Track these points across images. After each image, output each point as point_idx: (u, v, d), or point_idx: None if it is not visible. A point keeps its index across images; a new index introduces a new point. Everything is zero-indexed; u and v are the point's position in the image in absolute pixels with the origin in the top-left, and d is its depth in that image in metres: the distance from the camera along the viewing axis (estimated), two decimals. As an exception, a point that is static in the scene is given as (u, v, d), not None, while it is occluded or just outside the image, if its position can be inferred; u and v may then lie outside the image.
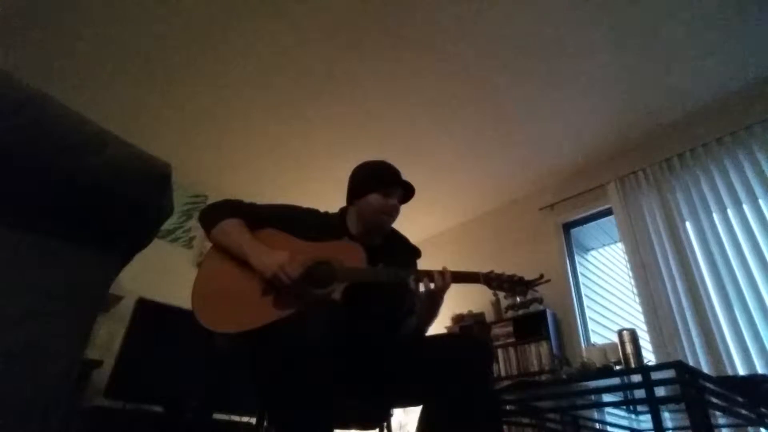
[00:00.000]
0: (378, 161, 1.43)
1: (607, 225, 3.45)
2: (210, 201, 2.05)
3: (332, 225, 1.37)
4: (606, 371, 1.84)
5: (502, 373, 3.10)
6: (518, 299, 3.21)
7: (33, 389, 0.56)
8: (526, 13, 2.35)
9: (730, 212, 2.66)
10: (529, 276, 1.29)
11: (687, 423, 1.78)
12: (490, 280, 1.25)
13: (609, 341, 2.67)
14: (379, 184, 1.34)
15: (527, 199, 3.79)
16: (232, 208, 1.31)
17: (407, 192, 1.39)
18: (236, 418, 2.52)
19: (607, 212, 3.28)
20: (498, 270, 1.28)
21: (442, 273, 1.21)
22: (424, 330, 1.34)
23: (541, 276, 1.28)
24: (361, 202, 1.35)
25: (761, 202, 2.56)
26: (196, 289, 1.17)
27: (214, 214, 1.29)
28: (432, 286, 1.20)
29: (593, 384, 1.78)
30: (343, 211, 1.43)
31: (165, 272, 3.07)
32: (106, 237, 0.68)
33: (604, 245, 3.77)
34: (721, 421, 1.90)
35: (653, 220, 2.93)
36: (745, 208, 2.60)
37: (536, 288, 1.28)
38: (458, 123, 3.13)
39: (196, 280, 1.19)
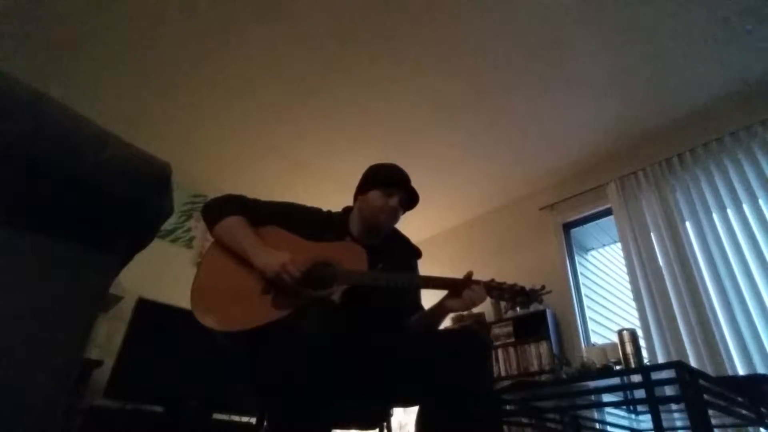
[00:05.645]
0: (392, 164, 1.42)
1: (607, 225, 3.45)
2: (210, 201, 2.04)
3: (334, 225, 1.37)
4: (606, 371, 1.84)
5: (502, 373, 3.10)
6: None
7: (33, 389, 0.56)
8: (526, 13, 2.35)
9: (730, 212, 2.65)
10: (528, 278, 1.26)
11: (687, 423, 1.78)
12: (491, 289, 1.22)
13: (609, 341, 2.67)
14: (382, 182, 1.34)
15: (527, 199, 3.79)
16: (236, 205, 1.30)
17: (410, 197, 1.37)
18: (236, 418, 2.53)
19: (607, 212, 3.27)
20: (499, 279, 1.24)
21: (472, 300, 1.17)
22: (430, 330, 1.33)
23: (543, 287, 1.24)
24: (362, 198, 1.36)
25: (761, 202, 2.55)
26: (195, 285, 1.16)
27: (217, 209, 1.28)
28: (455, 303, 1.21)
29: (593, 384, 1.78)
30: (346, 210, 1.44)
31: (165, 272, 3.07)
32: (106, 237, 0.68)
33: (604, 245, 3.78)
34: (722, 421, 1.90)
35: (653, 220, 2.93)
36: (745, 208, 2.59)
37: (540, 299, 1.23)
38: (458, 123, 3.13)
39: (196, 277, 1.19)
